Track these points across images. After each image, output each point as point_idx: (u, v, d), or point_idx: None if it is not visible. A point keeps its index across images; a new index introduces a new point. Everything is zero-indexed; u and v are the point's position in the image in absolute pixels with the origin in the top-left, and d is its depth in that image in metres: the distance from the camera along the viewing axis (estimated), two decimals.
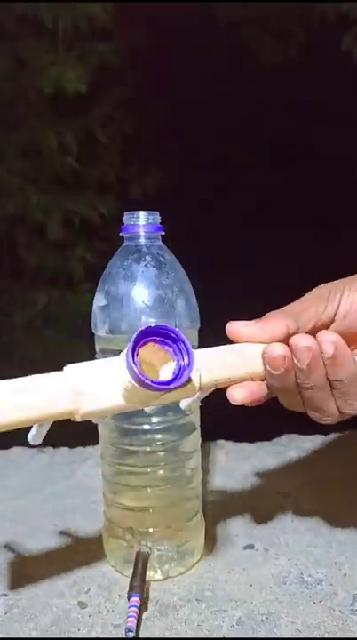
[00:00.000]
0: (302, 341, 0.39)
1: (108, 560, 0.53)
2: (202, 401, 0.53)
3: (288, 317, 0.41)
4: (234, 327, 0.42)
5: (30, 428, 0.36)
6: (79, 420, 0.36)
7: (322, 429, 0.82)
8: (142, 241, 0.50)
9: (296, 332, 0.41)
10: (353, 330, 0.43)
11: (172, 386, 0.35)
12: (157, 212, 0.50)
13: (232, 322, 0.42)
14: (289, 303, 0.44)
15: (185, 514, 0.52)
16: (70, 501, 0.65)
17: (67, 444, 0.81)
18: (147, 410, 0.49)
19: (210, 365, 0.39)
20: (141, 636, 0.44)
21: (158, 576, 0.51)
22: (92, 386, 0.36)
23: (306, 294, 0.44)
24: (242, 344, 0.41)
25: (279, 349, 0.39)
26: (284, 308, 0.43)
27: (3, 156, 2.25)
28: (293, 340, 0.39)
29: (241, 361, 0.41)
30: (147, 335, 0.36)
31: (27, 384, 0.35)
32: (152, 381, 0.34)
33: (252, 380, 0.41)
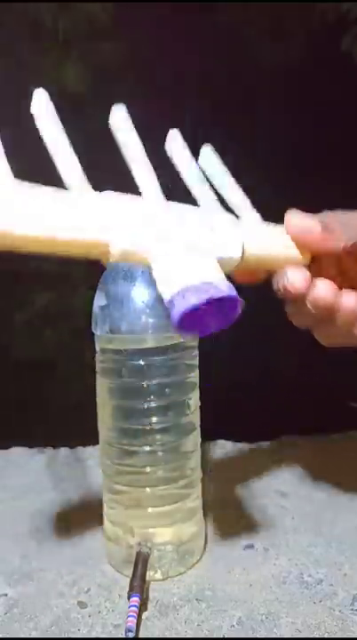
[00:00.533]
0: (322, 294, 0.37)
1: (108, 560, 0.54)
2: (201, 400, 0.53)
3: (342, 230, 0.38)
4: (293, 221, 0.38)
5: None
6: (111, 259, 0.30)
7: (322, 429, 0.82)
8: None
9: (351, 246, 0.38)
10: None
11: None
12: None
13: (292, 212, 0.38)
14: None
15: (185, 514, 0.52)
16: (70, 501, 0.65)
17: (67, 444, 0.81)
18: (146, 405, 0.49)
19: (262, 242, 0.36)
20: (141, 636, 0.44)
21: (158, 576, 0.51)
22: (129, 228, 0.30)
23: None
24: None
25: (298, 282, 0.36)
26: (341, 216, 0.40)
27: None
28: (315, 293, 0.37)
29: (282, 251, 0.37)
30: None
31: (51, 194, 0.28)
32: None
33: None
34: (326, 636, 0.44)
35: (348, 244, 0.37)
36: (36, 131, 0.29)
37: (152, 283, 0.48)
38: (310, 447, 0.78)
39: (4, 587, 0.51)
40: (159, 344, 0.49)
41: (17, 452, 0.79)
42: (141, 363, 0.49)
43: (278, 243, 0.38)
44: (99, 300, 0.50)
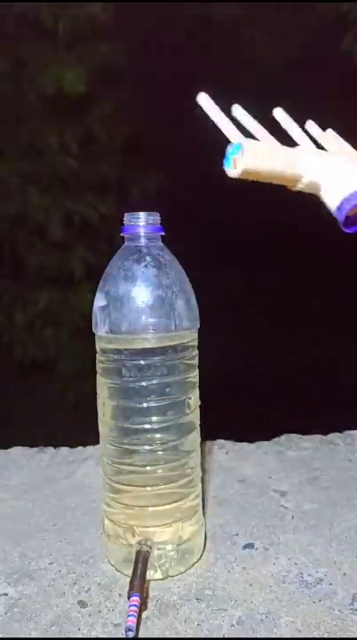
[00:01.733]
0: None
1: (108, 559, 0.54)
2: (201, 400, 0.53)
3: None
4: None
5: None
6: (299, 187, 0.45)
7: (321, 429, 0.82)
8: (142, 241, 0.50)
9: None
10: None
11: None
12: (157, 213, 0.51)
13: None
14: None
15: (185, 513, 0.52)
16: (70, 501, 0.66)
17: (68, 444, 0.81)
18: (146, 405, 0.49)
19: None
20: (141, 636, 0.44)
21: (158, 575, 0.51)
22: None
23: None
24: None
25: None
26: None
27: (3, 156, 2.25)
28: None
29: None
30: None
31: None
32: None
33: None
34: (326, 635, 0.44)
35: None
36: None
37: (151, 283, 0.49)
38: (309, 446, 0.78)
39: (5, 586, 0.51)
40: (159, 344, 0.49)
41: (17, 452, 0.79)
42: (141, 362, 0.49)
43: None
44: (99, 300, 0.50)
